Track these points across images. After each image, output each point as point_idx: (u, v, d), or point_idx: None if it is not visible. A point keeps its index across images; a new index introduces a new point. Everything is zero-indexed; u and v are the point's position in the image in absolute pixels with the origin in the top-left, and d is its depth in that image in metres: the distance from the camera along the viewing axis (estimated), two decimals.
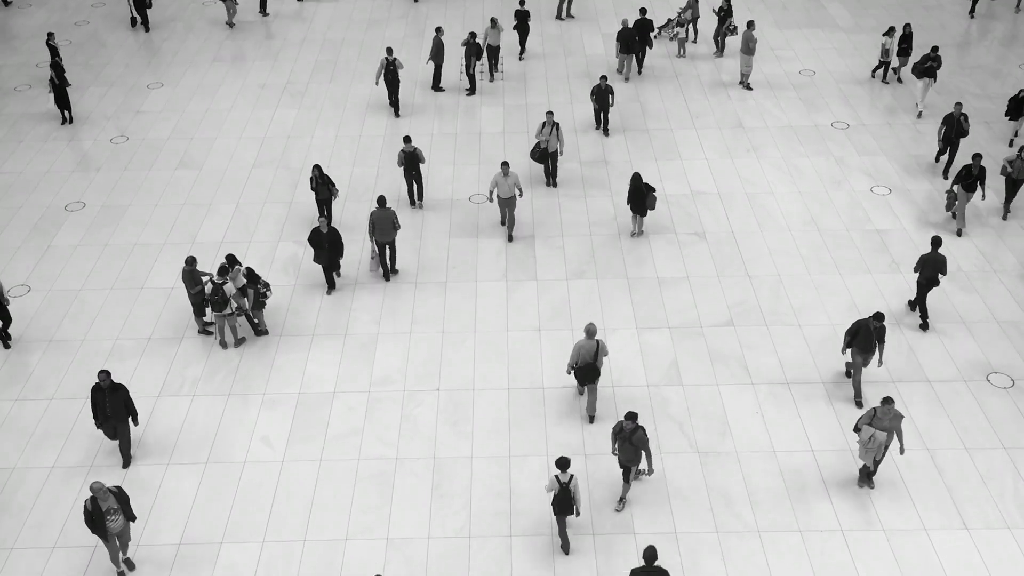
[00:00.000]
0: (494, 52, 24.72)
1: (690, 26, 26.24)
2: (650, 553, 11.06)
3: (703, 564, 12.75)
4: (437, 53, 23.96)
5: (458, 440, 14.67)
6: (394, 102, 23.29)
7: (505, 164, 17.98)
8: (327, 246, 17.04)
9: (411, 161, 19.36)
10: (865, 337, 14.61)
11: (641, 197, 18.47)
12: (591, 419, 14.84)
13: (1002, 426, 14.72)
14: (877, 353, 15.75)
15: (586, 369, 14.48)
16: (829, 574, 12.61)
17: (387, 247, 18.18)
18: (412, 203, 19.89)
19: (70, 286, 18.05)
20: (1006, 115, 21.52)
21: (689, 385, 15.57)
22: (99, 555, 13.01)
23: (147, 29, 27.49)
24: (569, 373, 14.54)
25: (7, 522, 13.52)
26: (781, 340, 16.47)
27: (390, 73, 22.86)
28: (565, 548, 12.84)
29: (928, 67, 22.40)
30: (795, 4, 29.44)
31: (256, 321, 16.61)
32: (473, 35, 23.83)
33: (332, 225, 18.39)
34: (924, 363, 15.92)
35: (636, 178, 18.34)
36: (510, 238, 18.81)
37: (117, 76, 25.75)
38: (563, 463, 12.30)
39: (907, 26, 24.02)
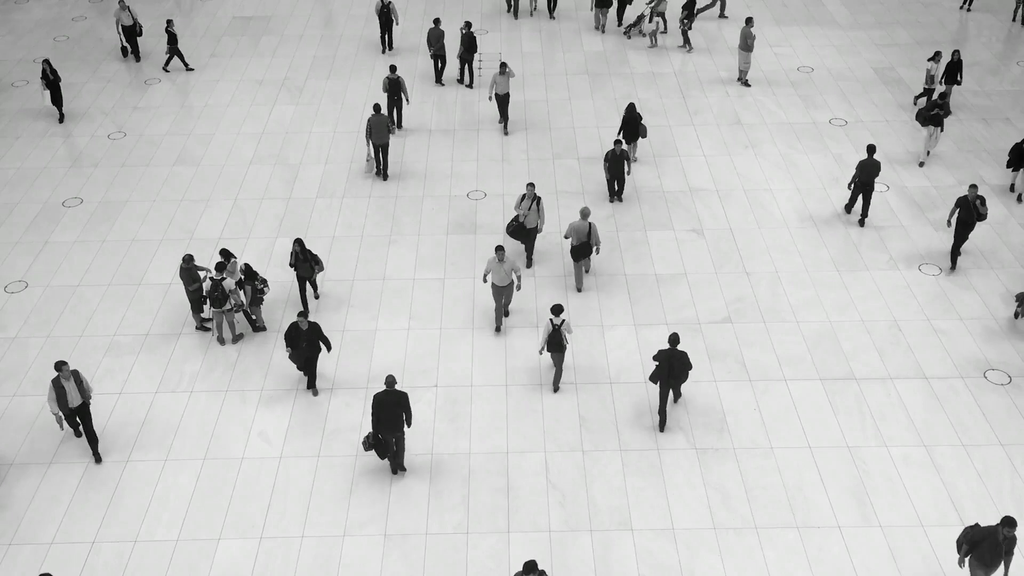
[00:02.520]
0: (503, 101, 22.04)
1: (659, 19, 26.43)
2: (674, 338, 14.02)
3: (701, 560, 12.78)
4: (437, 43, 24.05)
5: (456, 436, 14.68)
6: (386, 38, 25.64)
7: (500, 249, 15.62)
8: (305, 344, 14.78)
9: (394, 87, 22.06)
10: (991, 549, 11.41)
11: (634, 126, 20.54)
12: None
13: (999, 423, 14.75)
14: (1003, 569, 12.26)
15: (580, 247, 17.05)
16: (826, 570, 12.63)
17: (380, 150, 20.70)
18: (392, 127, 21.02)
19: (68, 282, 18.03)
20: (1008, 166, 19.58)
21: (687, 381, 15.57)
22: (97, 551, 13.01)
23: (137, 59, 26.01)
24: (567, 237, 17.11)
25: (6, 517, 13.51)
26: (779, 337, 16.48)
27: (385, 13, 24.97)
28: (555, 387, 15.32)
29: (935, 115, 20.28)
30: (794, 1, 29.43)
31: (254, 317, 16.60)
32: (468, 24, 23.94)
33: (312, 320, 15.65)
34: (921, 359, 15.94)
35: (631, 108, 20.47)
36: (506, 312, 16.80)
37: (114, 72, 25.70)
38: (557, 309, 14.59)
39: (956, 53, 22.10)
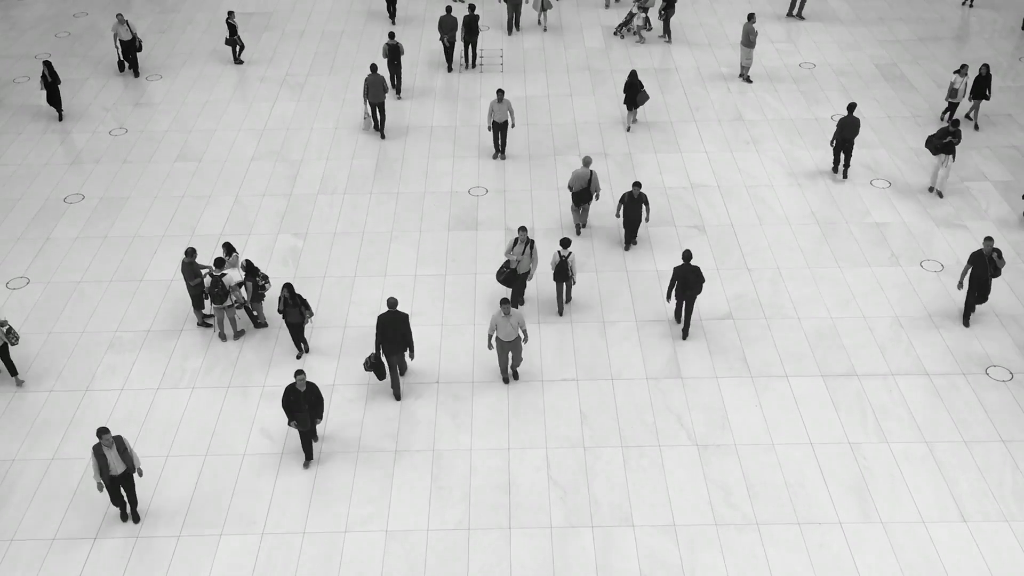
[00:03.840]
0: (501, 129, 21.03)
1: (644, 15, 26.52)
2: (687, 254, 15.53)
3: (702, 557, 12.78)
4: (450, 31, 24.63)
5: (457, 432, 14.68)
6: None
7: (505, 302, 14.53)
8: (306, 407, 13.58)
9: (394, 53, 23.12)
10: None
11: (634, 91, 21.41)
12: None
13: (1001, 419, 14.74)
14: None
15: (580, 193, 18.21)
16: (827, 567, 12.63)
17: (377, 108, 21.89)
18: (392, 90, 22.72)
19: (69, 278, 18.04)
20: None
21: (688, 378, 15.58)
22: (98, 547, 13.03)
23: (136, 74, 25.07)
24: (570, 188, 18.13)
25: (7, 513, 13.53)
26: (780, 333, 16.47)
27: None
28: (560, 310, 16.61)
29: (948, 143, 19.15)
30: None
31: (255, 313, 16.61)
32: (472, 7, 24.82)
33: (310, 381, 14.28)
34: (923, 356, 15.93)
35: (632, 75, 21.47)
36: (515, 375, 15.63)
37: (115, 69, 25.68)
38: (565, 242, 16.06)
39: (985, 67, 21.31)
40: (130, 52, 24.97)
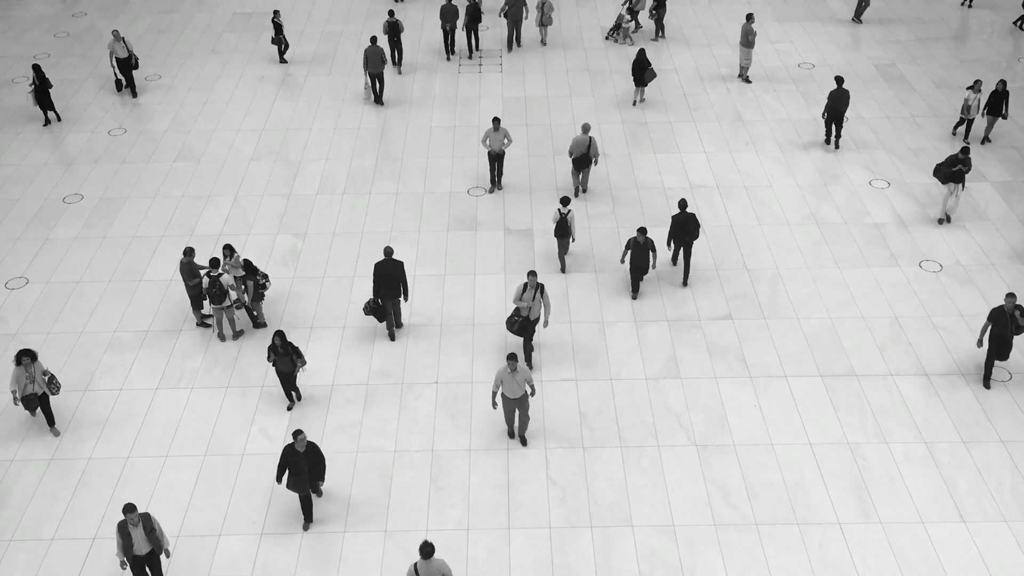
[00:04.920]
0: (496, 159, 19.89)
1: (630, 16, 26.54)
2: (683, 202, 16.89)
3: (701, 557, 12.78)
4: (452, 19, 25.18)
5: (456, 432, 14.68)
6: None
7: (513, 358, 13.53)
8: (306, 470, 12.67)
9: (393, 30, 24.34)
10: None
11: (642, 70, 22.68)
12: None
13: (1000, 420, 14.75)
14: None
15: (580, 158, 19.32)
16: (827, 567, 12.64)
17: (376, 79, 23.11)
18: (393, 64, 24.21)
19: (68, 278, 18.04)
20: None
21: (687, 378, 15.58)
22: (98, 548, 13.02)
23: (134, 94, 24.10)
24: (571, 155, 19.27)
25: (6, 514, 13.53)
26: (779, 333, 16.48)
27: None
28: (563, 268, 17.70)
29: (957, 171, 18.37)
30: None
31: (255, 313, 16.60)
32: None
33: (311, 440, 13.13)
34: (922, 356, 15.93)
35: (641, 53, 22.69)
36: (523, 441, 14.45)
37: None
38: (565, 201, 17.11)
39: (1001, 83, 20.56)
40: (127, 71, 23.87)
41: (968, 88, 21.12)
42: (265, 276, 16.41)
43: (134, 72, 25.06)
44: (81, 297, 17.57)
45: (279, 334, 14.23)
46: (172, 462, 14.28)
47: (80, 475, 14.09)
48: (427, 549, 11.02)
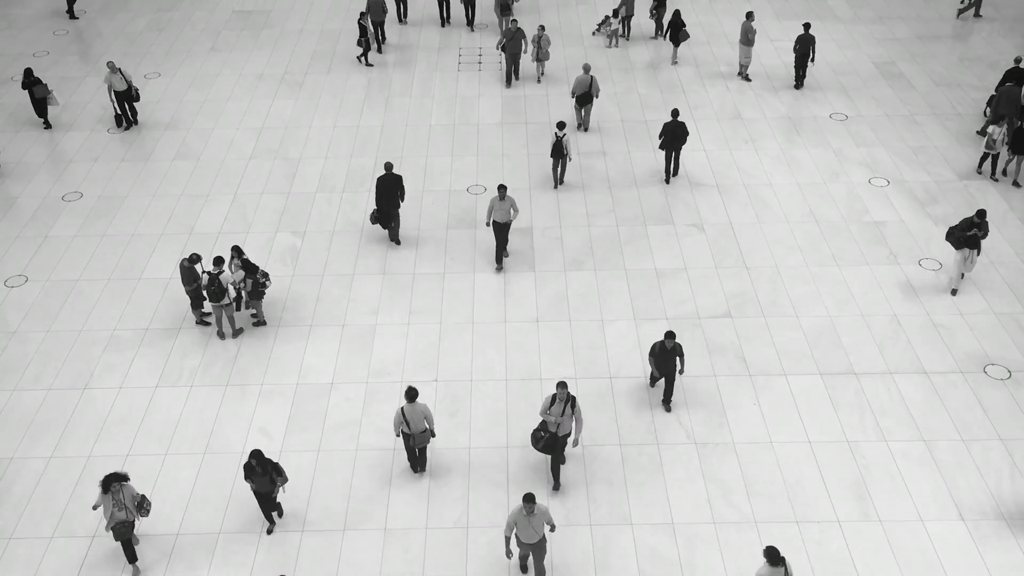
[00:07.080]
0: (501, 231, 17.70)
1: (624, 22, 26.34)
2: (675, 112, 19.28)
3: (700, 555, 12.79)
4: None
5: (456, 430, 14.68)
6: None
7: (530, 500, 11.46)
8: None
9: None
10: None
11: (676, 30, 24.56)
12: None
13: (999, 418, 14.76)
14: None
15: (583, 96, 21.35)
16: (826, 565, 12.64)
17: (378, 27, 25.53)
18: (399, 21, 26.82)
19: (67, 276, 18.03)
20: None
21: (687, 376, 15.58)
22: (97, 546, 13.02)
23: (133, 124, 22.72)
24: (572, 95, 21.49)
25: (6, 512, 13.53)
26: (779, 332, 16.48)
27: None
28: (556, 185, 20.05)
29: (972, 236, 16.43)
30: None
31: (254, 312, 16.59)
32: None
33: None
34: (921, 354, 15.94)
35: (676, 14, 24.64)
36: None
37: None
38: (561, 125, 19.09)
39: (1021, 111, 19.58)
40: (127, 103, 22.36)
41: (991, 123, 19.47)
42: (265, 275, 16.40)
43: (136, 104, 23.48)
44: (80, 295, 17.56)
45: (255, 454, 12.22)
46: (172, 460, 14.28)
47: (79, 473, 14.08)
48: (411, 393, 13.01)
